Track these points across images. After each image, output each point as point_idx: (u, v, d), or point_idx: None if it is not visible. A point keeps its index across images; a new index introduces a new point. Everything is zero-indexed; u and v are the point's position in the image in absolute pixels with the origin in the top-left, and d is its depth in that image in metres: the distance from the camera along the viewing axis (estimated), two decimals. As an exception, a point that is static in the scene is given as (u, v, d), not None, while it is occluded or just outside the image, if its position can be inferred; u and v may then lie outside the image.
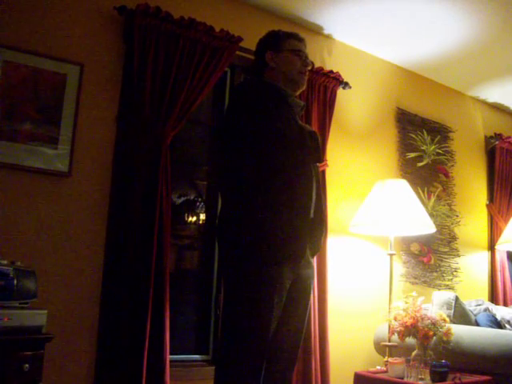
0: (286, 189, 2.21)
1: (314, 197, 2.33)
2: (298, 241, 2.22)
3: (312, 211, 2.33)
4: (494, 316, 3.92)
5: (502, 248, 4.89)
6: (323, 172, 3.75)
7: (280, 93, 2.39)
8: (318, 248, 2.46)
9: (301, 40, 2.51)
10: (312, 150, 2.35)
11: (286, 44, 2.45)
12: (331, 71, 3.96)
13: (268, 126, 2.22)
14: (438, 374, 3.05)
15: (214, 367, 2.27)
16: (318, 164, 2.47)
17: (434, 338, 3.28)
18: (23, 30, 2.96)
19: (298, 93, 2.52)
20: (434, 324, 3.27)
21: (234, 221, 2.22)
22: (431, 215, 4.20)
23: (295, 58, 2.44)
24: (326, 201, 3.73)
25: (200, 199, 3.81)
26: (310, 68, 2.53)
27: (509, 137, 5.18)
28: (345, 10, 3.83)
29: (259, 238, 2.15)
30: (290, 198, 2.21)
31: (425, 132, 4.65)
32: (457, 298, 3.76)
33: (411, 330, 3.29)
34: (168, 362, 2.99)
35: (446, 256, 4.67)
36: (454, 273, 4.70)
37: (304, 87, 2.53)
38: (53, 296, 2.84)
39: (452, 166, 4.87)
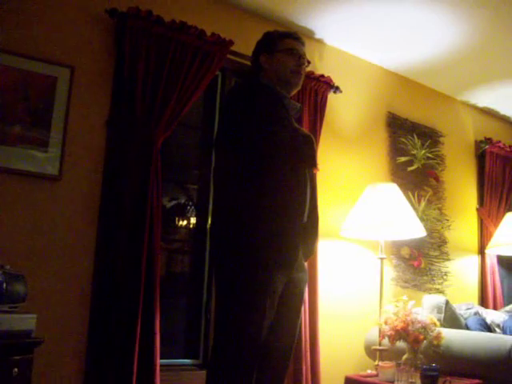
0: (280, 193, 2.20)
1: (308, 201, 2.33)
2: (290, 245, 2.22)
3: (306, 216, 2.32)
4: (483, 320, 3.94)
5: (491, 252, 4.91)
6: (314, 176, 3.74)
7: (275, 94, 2.38)
8: (311, 252, 2.46)
9: (296, 39, 2.48)
10: (306, 154, 2.34)
11: (280, 44, 2.43)
12: (322, 75, 3.97)
13: (262, 129, 2.20)
14: (428, 378, 3.06)
15: (204, 371, 2.27)
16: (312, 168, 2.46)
17: (425, 341, 3.29)
18: (13, 33, 2.95)
19: (293, 93, 2.50)
20: (424, 328, 3.28)
21: (226, 223, 2.21)
22: (421, 219, 4.21)
23: (288, 58, 2.41)
24: (317, 205, 3.73)
25: (191, 203, 3.81)
26: (306, 66, 2.49)
27: (498, 141, 5.20)
28: (336, 15, 3.84)
29: (252, 242, 2.14)
30: (284, 202, 2.20)
31: (415, 136, 4.66)
32: (447, 302, 3.77)
33: (402, 333, 3.30)
34: (158, 367, 2.98)
35: (436, 260, 4.68)
36: (445, 276, 4.71)
37: (299, 87, 2.51)
38: (42, 300, 2.82)
39: (442, 170, 4.88)
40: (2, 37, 2.91)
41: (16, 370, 2.22)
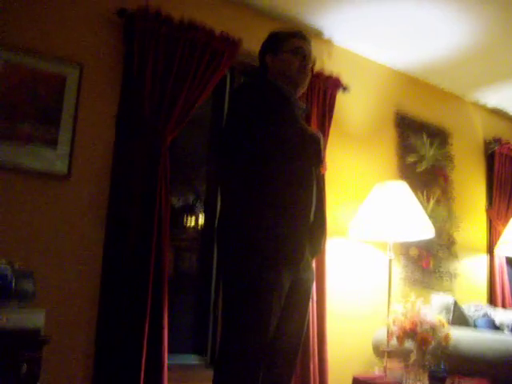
0: (287, 192, 2.20)
1: (314, 200, 2.32)
2: (297, 243, 2.21)
3: (312, 214, 2.32)
4: (492, 321, 3.92)
5: (500, 252, 4.89)
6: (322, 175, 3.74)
7: (281, 92, 2.37)
8: (318, 251, 2.44)
9: (302, 38, 2.46)
10: (313, 153, 2.33)
11: (285, 44, 2.42)
12: (331, 75, 3.96)
13: (268, 127, 2.20)
14: (436, 379, 3.05)
15: (212, 370, 2.27)
16: (319, 167, 2.46)
17: (433, 342, 3.27)
18: (23, 31, 2.96)
19: (300, 92, 2.49)
20: (432, 328, 3.26)
21: (233, 223, 2.21)
22: (430, 219, 4.19)
23: (293, 58, 2.39)
24: (325, 204, 3.73)
25: (199, 202, 3.81)
26: (312, 65, 2.47)
27: (508, 142, 5.18)
28: (344, 15, 3.84)
29: (258, 241, 2.14)
30: (291, 200, 2.20)
31: (424, 136, 4.65)
32: (455, 302, 3.76)
33: (410, 334, 3.29)
34: (166, 365, 2.98)
35: (444, 260, 4.66)
36: (453, 277, 4.69)
37: (305, 87, 2.50)
38: (51, 297, 2.83)
39: (451, 170, 4.86)
40: (11, 35, 2.92)
41: (25, 366, 2.23)
